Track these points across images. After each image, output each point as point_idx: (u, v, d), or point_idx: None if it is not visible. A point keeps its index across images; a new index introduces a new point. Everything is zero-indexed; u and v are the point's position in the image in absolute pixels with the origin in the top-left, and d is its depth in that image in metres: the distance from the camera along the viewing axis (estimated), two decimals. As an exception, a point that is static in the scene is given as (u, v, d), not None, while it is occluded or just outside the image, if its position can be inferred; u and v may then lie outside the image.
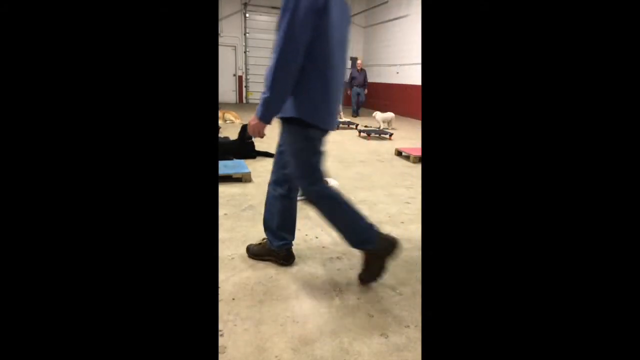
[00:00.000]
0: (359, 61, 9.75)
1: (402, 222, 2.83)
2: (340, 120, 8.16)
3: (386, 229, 2.69)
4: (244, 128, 4.76)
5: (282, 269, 2.05)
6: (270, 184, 1.92)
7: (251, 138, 4.69)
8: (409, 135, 7.34)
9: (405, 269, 2.12)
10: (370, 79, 12.87)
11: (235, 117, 7.66)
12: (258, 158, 4.71)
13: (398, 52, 11.07)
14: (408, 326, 1.62)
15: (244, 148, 4.63)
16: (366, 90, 9.88)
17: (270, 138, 6.09)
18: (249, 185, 3.55)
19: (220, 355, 1.40)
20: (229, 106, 10.06)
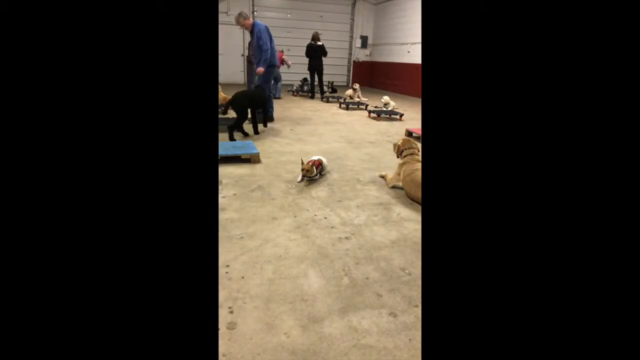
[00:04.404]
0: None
1: (411, 203, 2.81)
2: (350, 100, 8.06)
3: (395, 209, 2.68)
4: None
5: (291, 249, 2.06)
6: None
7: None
8: (420, 116, 7.22)
9: (415, 250, 2.12)
10: (381, 58, 12.61)
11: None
12: (266, 140, 4.69)
13: (409, 30, 10.77)
14: (417, 305, 1.62)
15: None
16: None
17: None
18: (257, 166, 3.55)
19: (230, 332, 1.42)
20: (237, 87, 9.99)
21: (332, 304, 1.61)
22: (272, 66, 5.37)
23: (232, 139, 4.34)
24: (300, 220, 2.44)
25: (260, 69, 5.13)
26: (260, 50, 5.10)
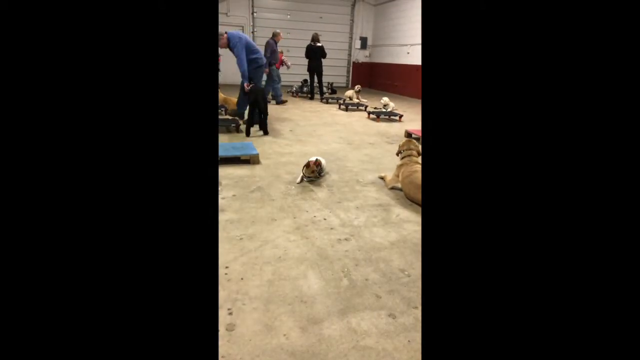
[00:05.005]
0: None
1: (410, 204, 2.81)
2: (350, 102, 8.06)
3: (395, 211, 2.68)
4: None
5: (290, 250, 2.06)
6: None
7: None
8: (419, 117, 7.22)
9: (414, 251, 2.11)
10: (380, 59, 12.62)
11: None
12: (266, 141, 4.69)
13: (409, 32, 10.78)
14: (416, 307, 1.62)
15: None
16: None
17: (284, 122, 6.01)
18: (257, 167, 3.55)
19: (229, 333, 1.42)
20: (237, 87, 9.98)
21: (332, 305, 1.61)
22: (260, 67, 5.34)
23: (266, 131, 4.96)
24: (300, 221, 2.44)
25: (246, 85, 5.00)
26: (251, 61, 4.97)
